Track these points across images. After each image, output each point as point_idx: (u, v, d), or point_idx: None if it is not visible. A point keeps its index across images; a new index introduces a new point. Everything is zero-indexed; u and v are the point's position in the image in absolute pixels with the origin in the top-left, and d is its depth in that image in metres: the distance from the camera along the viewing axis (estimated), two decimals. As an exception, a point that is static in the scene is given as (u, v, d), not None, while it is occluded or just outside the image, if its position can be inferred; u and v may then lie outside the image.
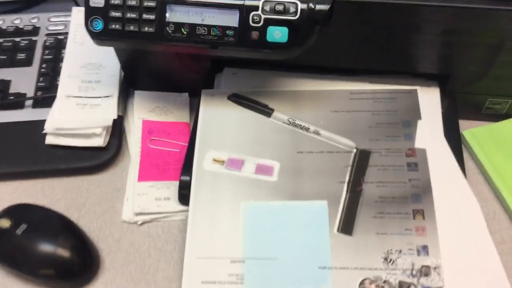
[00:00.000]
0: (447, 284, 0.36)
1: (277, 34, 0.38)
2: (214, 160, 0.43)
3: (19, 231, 0.38)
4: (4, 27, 0.55)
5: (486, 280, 0.36)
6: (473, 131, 0.46)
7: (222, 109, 0.46)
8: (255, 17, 0.38)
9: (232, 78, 0.48)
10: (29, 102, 0.49)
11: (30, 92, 0.50)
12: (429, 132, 0.43)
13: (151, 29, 0.39)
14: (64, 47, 0.52)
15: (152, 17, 0.39)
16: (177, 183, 0.42)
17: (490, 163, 0.44)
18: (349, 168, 0.42)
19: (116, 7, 0.39)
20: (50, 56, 0.52)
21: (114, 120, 0.46)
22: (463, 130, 0.46)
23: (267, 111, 0.45)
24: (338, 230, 0.39)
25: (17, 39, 0.54)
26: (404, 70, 0.46)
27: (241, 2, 0.38)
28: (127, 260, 0.40)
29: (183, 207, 0.42)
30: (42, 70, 0.51)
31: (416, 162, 0.42)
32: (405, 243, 0.38)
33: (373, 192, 0.40)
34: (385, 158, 0.42)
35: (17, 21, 0.56)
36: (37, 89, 0.50)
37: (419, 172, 0.41)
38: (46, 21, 0.56)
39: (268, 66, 0.47)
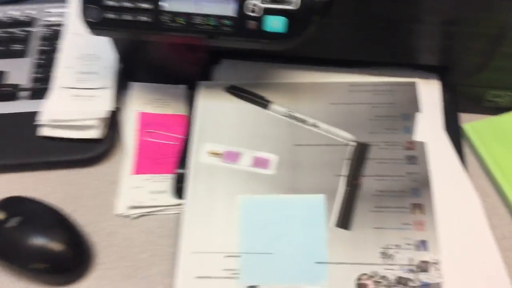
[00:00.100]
0: (446, 280, 0.35)
1: (275, 24, 0.37)
2: (211, 152, 0.42)
3: (11, 224, 0.37)
4: (0, 18, 0.55)
5: (486, 276, 0.36)
6: (473, 125, 0.45)
7: (219, 101, 0.45)
8: (252, 6, 0.37)
9: (229, 70, 0.47)
10: (24, 94, 0.49)
11: (26, 84, 0.49)
12: (429, 125, 0.42)
13: (147, 19, 0.38)
14: (60, 38, 0.51)
15: (148, 6, 0.38)
16: (173, 176, 0.42)
17: (491, 157, 0.43)
18: (348, 162, 0.41)
19: (110, -4, 0.39)
20: (47, 47, 0.52)
21: (110, 112, 0.46)
22: (463, 123, 0.45)
23: (264, 103, 0.45)
24: (335, 225, 0.38)
25: (13, 30, 0.53)
26: (404, 62, 0.45)
27: (238, -9, 0.37)
28: (120, 255, 0.39)
29: (178, 201, 0.41)
30: (38, 61, 0.51)
31: (415, 155, 0.41)
32: (404, 238, 0.37)
33: (372, 185, 0.40)
34: (384, 151, 0.41)
35: (13, 12, 0.55)
36: (33, 80, 0.49)
37: (418, 165, 0.40)
38: (43, 12, 0.55)
39: (266, 57, 0.47)
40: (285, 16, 0.37)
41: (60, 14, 0.55)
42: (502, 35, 0.40)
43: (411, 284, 0.35)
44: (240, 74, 0.47)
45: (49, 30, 0.53)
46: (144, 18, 0.39)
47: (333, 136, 0.42)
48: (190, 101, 0.47)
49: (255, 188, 0.40)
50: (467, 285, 0.35)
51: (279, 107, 0.44)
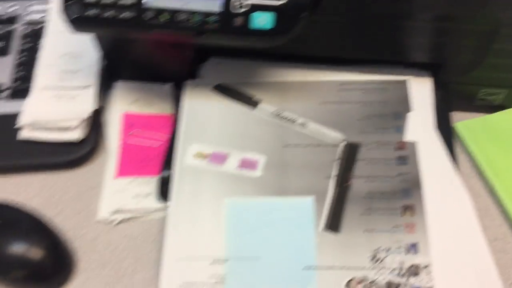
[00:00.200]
0: (437, 284, 0.35)
1: (263, 21, 0.36)
2: (197, 154, 0.41)
3: (-11, 230, 0.36)
4: (-20, 15, 0.53)
5: (477, 279, 0.35)
6: (466, 123, 0.44)
7: (206, 100, 0.44)
8: (239, 3, 0.36)
9: (217, 68, 0.46)
10: (5, 94, 0.47)
11: (7, 83, 0.48)
12: (420, 124, 0.41)
13: (129, 15, 0.37)
14: (43, 36, 0.50)
15: (130, 2, 0.37)
16: (158, 178, 0.40)
17: (483, 156, 0.42)
18: (337, 162, 0.40)
19: (92, -8, 0.37)
20: (29, 45, 0.50)
21: (93, 113, 0.44)
22: (455, 122, 0.44)
23: (253, 103, 0.44)
24: (325, 227, 0.37)
25: (-6, 28, 0.52)
26: (395, 60, 0.44)
27: (223, -13, 0.36)
28: (102, 262, 0.38)
29: (163, 204, 0.40)
30: (20, 59, 0.49)
31: (406, 155, 0.40)
32: (394, 240, 0.36)
33: (362, 187, 0.39)
34: (374, 152, 0.40)
35: (-6, 9, 0.54)
36: (14, 80, 0.48)
37: (409, 166, 0.39)
38: (25, 9, 0.53)
39: (255, 55, 0.46)
40: (273, 12, 0.36)
41: (43, 11, 0.53)
42: (495, 31, 0.39)
43: (402, 288, 0.35)
44: (228, 72, 0.46)
45: (32, 28, 0.51)
46: (127, 15, 0.38)
47: (323, 136, 0.41)
48: (176, 100, 0.45)
49: (242, 190, 0.39)
50: (458, 288, 0.35)
51: (268, 106, 0.43)
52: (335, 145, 0.41)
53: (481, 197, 0.41)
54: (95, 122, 0.45)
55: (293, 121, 0.42)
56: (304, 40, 0.40)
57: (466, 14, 0.39)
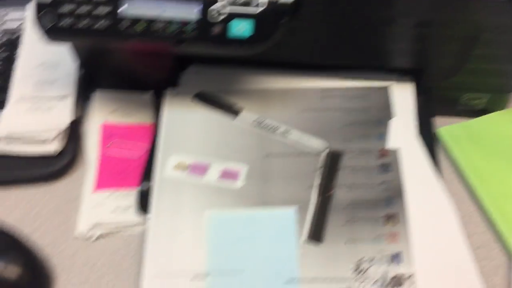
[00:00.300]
0: (420, 294, 0.34)
1: (241, 28, 0.36)
2: (177, 165, 0.40)
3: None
4: (-47, 24, 0.52)
5: (461, 287, 0.35)
6: (448, 129, 0.44)
7: (186, 109, 0.43)
8: (216, 11, 0.36)
9: (197, 77, 0.45)
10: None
11: (-18, 94, 0.46)
12: (403, 130, 0.41)
13: (105, 25, 0.37)
14: (19, 45, 0.49)
15: (105, 11, 0.36)
16: (137, 191, 0.40)
17: (467, 161, 0.42)
18: (320, 171, 0.39)
19: (65, 1, 0.37)
20: (5, 54, 0.49)
21: (71, 124, 0.43)
22: (438, 127, 0.44)
23: (234, 111, 0.43)
24: (307, 237, 0.37)
25: (-31, 37, 0.50)
26: (377, 65, 0.44)
27: (201, -5, 0.35)
28: (81, 279, 0.37)
29: (144, 218, 0.39)
30: (-4, 69, 0.48)
31: (388, 163, 0.40)
32: (377, 250, 0.36)
33: (344, 196, 0.38)
34: (357, 160, 0.40)
35: (-31, 18, 0.52)
36: (-11, 90, 0.47)
37: (391, 173, 0.39)
38: (1, 18, 0.52)
39: (236, 63, 0.45)
40: (251, 20, 0.36)
41: (20, 19, 0.52)
42: (476, 37, 0.39)
43: (385, 299, 0.34)
44: (209, 80, 0.45)
45: (7, 36, 0.50)
46: (102, 24, 0.37)
47: (305, 145, 0.41)
48: (156, 109, 0.44)
49: (223, 202, 0.38)
50: (442, 298, 0.34)
51: (249, 115, 0.43)
52: (317, 154, 0.40)
53: (464, 203, 0.40)
54: (73, 134, 0.44)
55: (275, 130, 0.42)
56: (284, 47, 0.40)
57: (447, 19, 0.38)
